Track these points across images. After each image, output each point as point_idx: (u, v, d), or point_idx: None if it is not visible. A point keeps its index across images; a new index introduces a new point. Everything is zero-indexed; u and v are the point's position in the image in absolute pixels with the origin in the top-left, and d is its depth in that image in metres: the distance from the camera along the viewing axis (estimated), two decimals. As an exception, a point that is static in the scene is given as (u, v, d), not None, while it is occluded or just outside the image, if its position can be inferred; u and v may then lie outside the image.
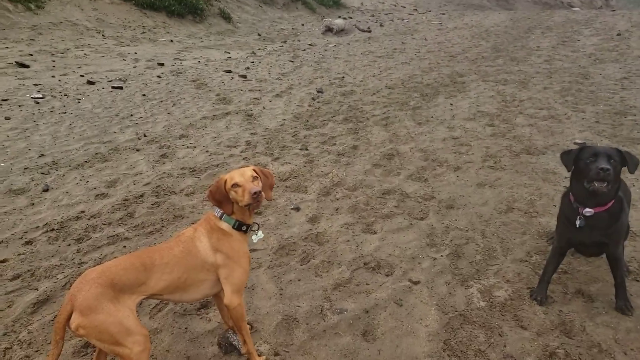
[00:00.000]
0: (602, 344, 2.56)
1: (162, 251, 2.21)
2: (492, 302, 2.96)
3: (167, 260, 2.17)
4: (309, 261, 3.51)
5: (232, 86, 9.01)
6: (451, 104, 7.54)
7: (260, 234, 2.59)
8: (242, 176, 2.31)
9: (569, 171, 2.72)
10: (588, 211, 2.60)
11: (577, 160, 2.63)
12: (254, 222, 2.49)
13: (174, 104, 7.74)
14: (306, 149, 5.85)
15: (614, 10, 22.29)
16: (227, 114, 7.30)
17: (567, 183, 4.55)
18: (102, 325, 1.92)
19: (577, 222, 2.66)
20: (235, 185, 2.28)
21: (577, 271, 3.22)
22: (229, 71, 10.16)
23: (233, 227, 2.35)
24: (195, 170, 5.21)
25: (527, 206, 4.20)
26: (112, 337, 1.94)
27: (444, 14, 19.36)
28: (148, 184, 4.96)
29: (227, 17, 17.27)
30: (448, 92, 8.28)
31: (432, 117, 6.98)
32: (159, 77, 9.40)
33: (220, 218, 2.36)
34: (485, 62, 10.58)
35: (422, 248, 3.62)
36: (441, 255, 3.50)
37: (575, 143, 5.60)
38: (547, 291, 2.95)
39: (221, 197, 2.33)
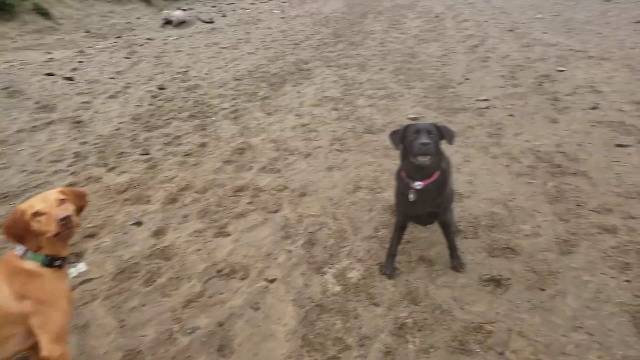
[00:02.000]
0: (443, 304, 2.75)
1: None
2: (346, 284, 2.99)
3: None
4: (154, 281, 3.16)
5: (56, 91, 7.89)
6: (298, 92, 7.61)
7: (82, 266, 2.21)
8: (44, 202, 1.93)
9: (397, 150, 2.83)
10: (418, 184, 2.74)
11: (403, 138, 2.74)
12: (71, 253, 2.11)
13: (-21, 119, 6.48)
14: (147, 154, 5.36)
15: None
16: (49, 123, 6.34)
17: (404, 157, 4.91)
18: None
19: (410, 197, 2.79)
20: (37, 213, 1.89)
21: (418, 238, 3.44)
22: (51, 74, 8.88)
23: (43, 265, 1.95)
24: (7, 196, 4.38)
25: (372, 183, 4.39)
26: None
27: (285, 2, 19.59)
28: (-55, 220, 4.03)
29: (45, 13, 15.08)
30: (294, 80, 8.34)
31: (280, 106, 6.95)
32: (-44, 88, 7.80)
33: (23, 256, 1.94)
34: (327, 48, 10.93)
35: (277, 242, 3.53)
36: (296, 246, 3.45)
37: (409, 118, 6.04)
38: (394, 264, 3.08)
39: (21, 231, 1.91)
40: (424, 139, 2.56)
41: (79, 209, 2.11)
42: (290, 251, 3.40)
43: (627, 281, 2.86)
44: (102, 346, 2.59)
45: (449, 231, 3.02)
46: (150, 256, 3.43)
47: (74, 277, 2.14)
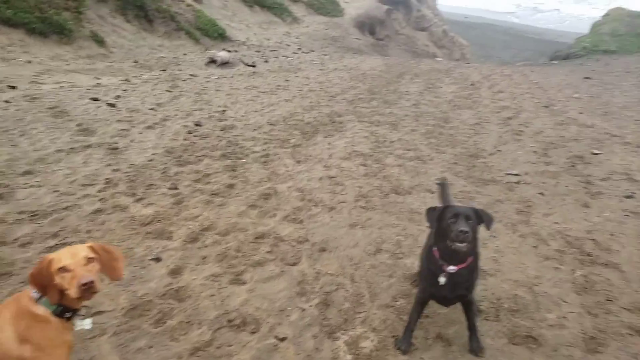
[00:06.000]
0: (458, 391, 2.61)
1: None
2: (358, 354, 2.89)
3: None
4: (165, 322, 3.13)
5: (98, 115, 8.21)
6: (329, 143, 7.72)
7: (88, 322, 2.15)
8: (72, 257, 1.92)
9: (432, 229, 2.79)
10: (452, 269, 2.68)
11: (440, 219, 2.69)
12: (83, 306, 2.09)
13: (23, 134, 6.75)
14: (176, 188, 5.45)
15: (468, 63, 25.47)
16: (87, 146, 6.56)
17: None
18: None
19: (441, 280, 2.71)
20: (63, 269, 1.89)
21: (437, 314, 3.32)
22: (96, 99, 9.28)
23: (54, 314, 1.93)
24: (37, 214, 4.47)
25: (394, 247, 4.32)
26: None
27: (325, 55, 20.30)
28: (-26, 231, 4.13)
29: (100, 41, 16.00)
30: (327, 131, 8.48)
31: (310, 155, 7.04)
32: (6, 102, 8.20)
33: (38, 301, 1.92)
34: (362, 104, 11.16)
35: (292, 298, 3.46)
36: (310, 305, 3.37)
37: (436, 183, 6.00)
38: (411, 339, 2.96)
39: (45, 282, 1.89)
40: (463, 227, 2.51)
41: (110, 268, 2.08)
42: (304, 309, 3.32)
43: (659, 393, 2.67)
44: (104, 386, 2.54)
45: (471, 311, 2.91)
46: (164, 295, 3.41)
47: (77, 329, 2.07)
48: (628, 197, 5.81)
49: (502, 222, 4.98)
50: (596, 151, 7.84)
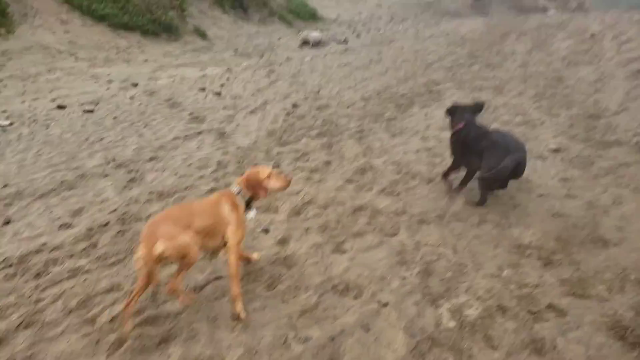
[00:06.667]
0: (574, 362, 2.47)
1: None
2: (462, 321, 2.86)
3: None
4: (275, 287, 3.38)
5: (206, 104, 8.91)
6: (425, 114, 7.50)
7: (253, 213, 3.31)
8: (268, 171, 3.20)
9: None
10: None
11: None
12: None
13: (146, 125, 7.60)
14: (278, 166, 5.75)
15: (587, 13, 22.68)
16: (199, 133, 7.18)
17: (542, 190, 4.53)
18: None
19: None
20: (269, 176, 3.19)
21: (548, 284, 3.14)
22: (203, 89, 10.05)
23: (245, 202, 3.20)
24: (163, 194, 5.05)
25: (499, 217, 4.12)
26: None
27: (420, 22, 19.51)
28: (114, 211, 4.79)
29: (202, 34, 17.19)
30: (423, 102, 8.24)
31: (406, 128, 6.92)
32: (131, 98, 9.26)
33: (238, 194, 3.17)
34: (461, 69, 10.61)
35: (392, 267, 3.51)
36: (411, 274, 3.39)
37: (550, 149, 5.55)
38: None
39: (254, 184, 3.16)
40: None
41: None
42: (404, 278, 3.35)
43: None
44: (227, 339, 2.84)
45: None
46: (273, 262, 3.68)
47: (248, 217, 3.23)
48: None
49: (629, 186, 4.48)
50: None
